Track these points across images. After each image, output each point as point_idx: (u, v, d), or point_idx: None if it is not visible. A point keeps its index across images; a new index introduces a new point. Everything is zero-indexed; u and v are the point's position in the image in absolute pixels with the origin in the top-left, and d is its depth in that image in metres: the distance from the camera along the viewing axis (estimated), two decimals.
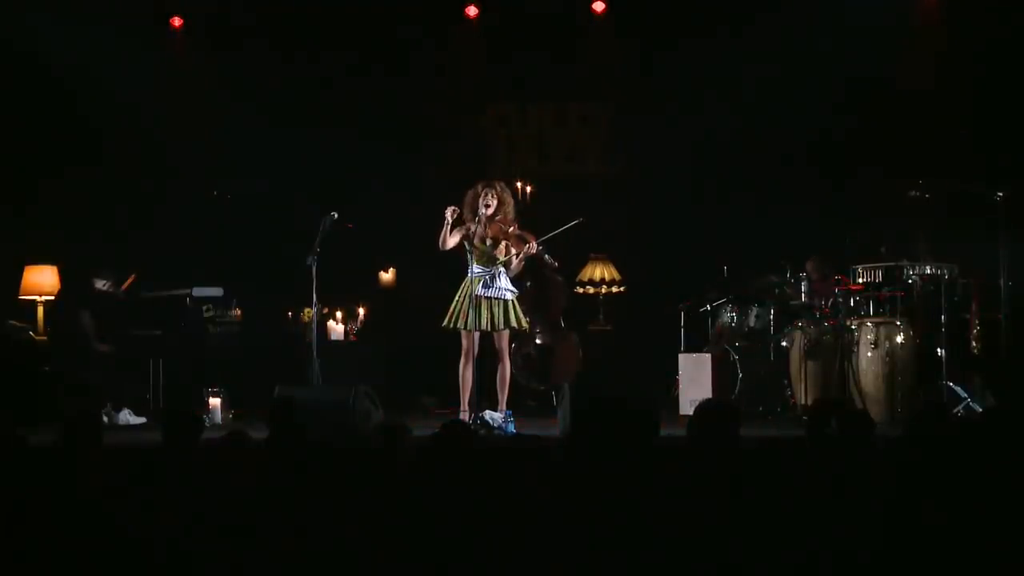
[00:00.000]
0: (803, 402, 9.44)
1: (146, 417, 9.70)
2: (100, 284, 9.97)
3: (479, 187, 8.57)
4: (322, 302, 9.28)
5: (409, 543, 4.03)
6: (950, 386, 8.96)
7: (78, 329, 9.79)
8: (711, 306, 10.81)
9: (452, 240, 8.50)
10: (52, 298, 10.42)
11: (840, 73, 11.01)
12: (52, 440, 5.24)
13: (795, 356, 9.64)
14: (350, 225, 9.16)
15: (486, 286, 8.50)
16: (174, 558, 4.16)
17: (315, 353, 9.00)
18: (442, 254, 8.60)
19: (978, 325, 9.30)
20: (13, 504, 4.37)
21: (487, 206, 8.50)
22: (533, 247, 8.51)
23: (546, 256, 8.63)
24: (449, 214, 8.43)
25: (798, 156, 11.38)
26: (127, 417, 9.63)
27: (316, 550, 4.12)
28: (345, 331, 11.45)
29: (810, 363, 9.48)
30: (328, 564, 4.09)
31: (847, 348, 9.32)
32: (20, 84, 11.47)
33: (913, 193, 9.47)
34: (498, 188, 8.59)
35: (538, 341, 10.92)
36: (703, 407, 4.82)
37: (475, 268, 8.56)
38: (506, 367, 8.64)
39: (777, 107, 11.13)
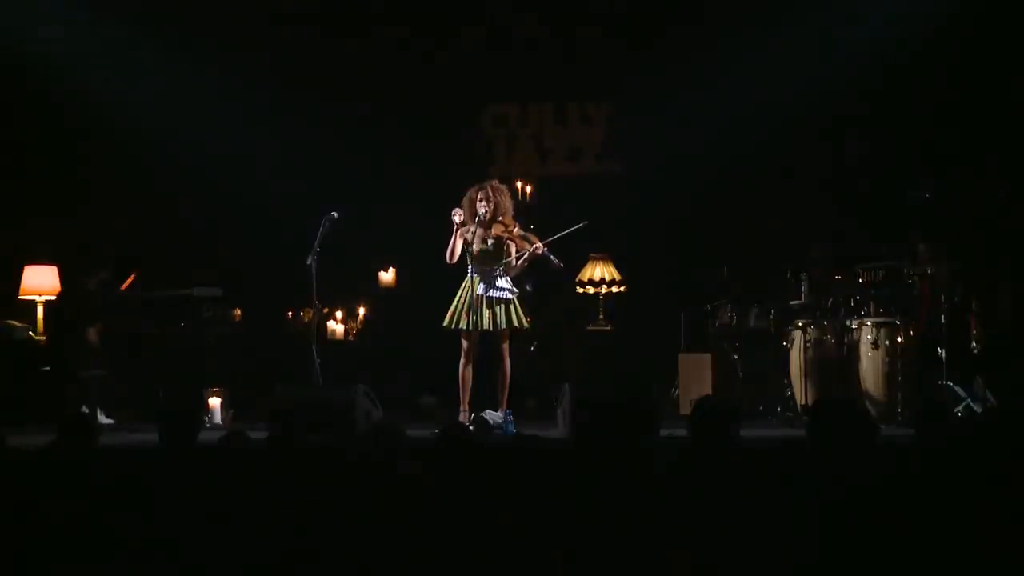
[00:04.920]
0: (803, 402, 9.43)
1: (122, 419, 9.65)
2: (101, 275, 9.97)
3: (474, 190, 8.59)
4: (322, 302, 9.28)
5: (409, 543, 4.02)
6: (950, 386, 8.96)
7: (79, 329, 9.78)
8: (711, 306, 10.81)
9: (459, 250, 8.51)
10: (52, 298, 10.41)
11: (840, 71, 11.02)
12: (49, 441, 5.25)
13: (795, 356, 9.63)
14: None
15: (487, 286, 8.50)
16: (173, 558, 4.16)
17: (315, 353, 9.00)
18: (442, 254, 8.60)
19: (978, 325, 9.29)
20: (10, 505, 4.37)
21: (484, 208, 8.52)
22: (540, 248, 8.50)
23: (552, 257, 8.62)
24: (456, 217, 8.46)
25: (798, 155, 11.38)
26: (100, 417, 9.61)
27: (316, 550, 4.11)
28: (345, 331, 11.46)
29: (810, 363, 9.47)
30: (328, 564, 4.08)
31: (848, 348, 9.31)
32: (19, 83, 11.47)
33: (914, 193, 9.48)
34: (489, 190, 8.59)
35: (538, 341, 10.92)
36: (702, 405, 4.81)
37: (476, 268, 8.56)
38: (506, 367, 8.63)
39: (777, 106, 11.13)
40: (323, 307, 9.83)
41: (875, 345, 9.19)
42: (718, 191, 11.50)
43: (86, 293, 10.00)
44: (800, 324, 9.64)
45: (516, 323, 8.57)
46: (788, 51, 11.02)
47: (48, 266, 10.67)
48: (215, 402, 9.77)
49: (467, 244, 8.55)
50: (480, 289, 8.49)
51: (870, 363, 9.21)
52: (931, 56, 10.97)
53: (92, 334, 9.84)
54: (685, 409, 9.62)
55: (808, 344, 9.49)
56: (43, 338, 10.34)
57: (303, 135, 11.67)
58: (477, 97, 12.42)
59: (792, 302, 10.02)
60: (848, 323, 9.36)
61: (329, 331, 11.25)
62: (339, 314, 11.48)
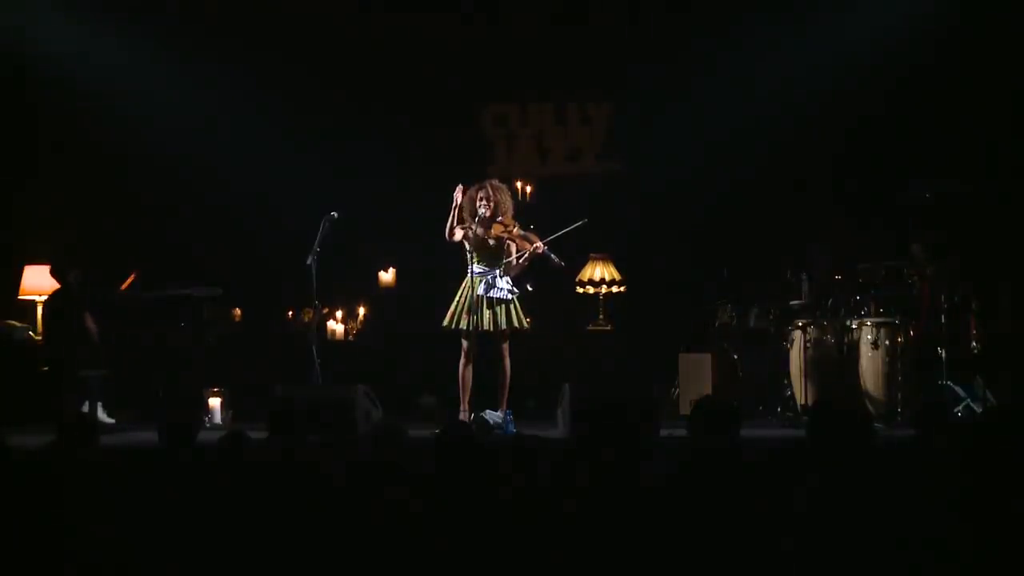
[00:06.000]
0: (803, 402, 9.43)
1: (122, 419, 9.64)
2: (76, 272, 9.94)
3: (474, 189, 8.59)
4: (322, 302, 9.28)
5: (410, 543, 4.02)
6: (950, 386, 8.96)
7: (72, 327, 9.77)
8: (711, 306, 10.81)
9: (458, 233, 8.52)
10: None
11: (840, 72, 11.03)
12: (49, 441, 5.25)
13: (795, 356, 9.63)
14: None
15: (487, 286, 8.50)
16: (173, 558, 4.16)
17: (315, 353, 9.00)
18: (442, 254, 8.61)
19: (978, 325, 9.30)
20: (10, 505, 4.37)
21: (484, 208, 8.52)
22: (540, 247, 8.51)
23: (552, 256, 8.62)
24: (458, 193, 8.47)
25: (798, 156, 11.39)
26: (101, 417, 9.60)
27: (316, 550, 4.11)
28: (345, 331, 11.46)
29: (810, 363, 9.47)
30: (329, 564, 4.08)
31: (848, 348, 9.31)
32: (19, 83, 11.47)
33: (913, 193, 9.49)
34: (490, 189, 8.59)
35: (538, 341, 10.91)
36: (702, 405, 4.81)
37: (476, 268, 8.56)
38: (506, 367, 8.63)
39: (777, 106, 11.13)
40: (323, 307, 9.83)
41: (875, 345, 9.19)
42: (718, 191, 11.50)
43: (69, 290, 9.99)
44: (800, 324, 9.63)
45: (516, 323, 8.57)
46: (788, 51, 11.03)
47: (48, 266, 10.67)
48: (215, 402, 9.77)
49: (467, 243, 8.55)
50: (480, 289, 8.49)
51: (870, 363, 9.20)
52: (930, 56, 10.96)
53: (89, 321, 9.77)
54: (685, 409, 9.61)
55: (808, 344, 9.49)
56: (43, 338, 10.34)
57: (303, 135, 11.67)
58: (477, 97, 12.42)
59: (792, 302, 10.02)
60: (848, 323, 9.36)
61: (329, 331, 11.25)
62: (339, 314, 11.48)
